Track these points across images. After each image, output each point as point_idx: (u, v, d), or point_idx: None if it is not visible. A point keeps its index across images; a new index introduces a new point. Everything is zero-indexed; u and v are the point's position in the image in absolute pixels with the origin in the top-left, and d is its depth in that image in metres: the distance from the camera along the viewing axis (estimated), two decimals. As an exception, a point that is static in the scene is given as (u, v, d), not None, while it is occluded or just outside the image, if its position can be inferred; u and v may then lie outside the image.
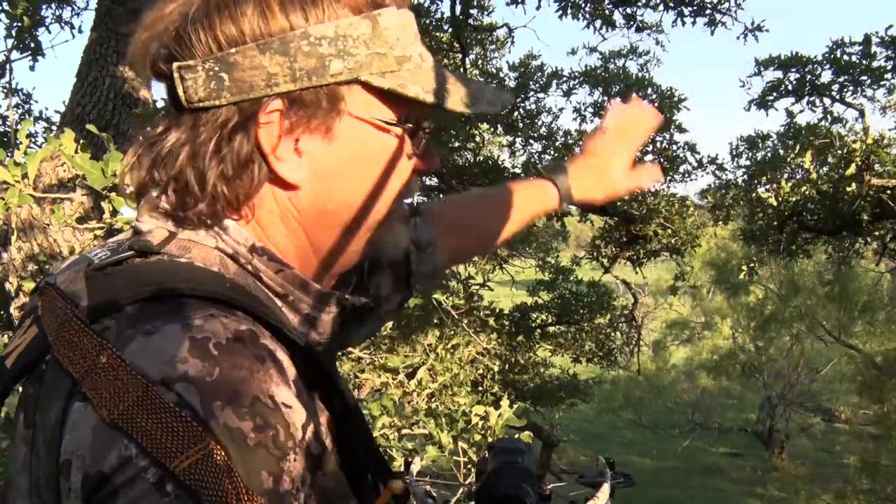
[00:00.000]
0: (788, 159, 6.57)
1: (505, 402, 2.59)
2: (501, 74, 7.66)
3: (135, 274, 0.62)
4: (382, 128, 0.69)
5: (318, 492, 0.58)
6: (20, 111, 4.50)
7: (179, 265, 0.64)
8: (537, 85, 7.55)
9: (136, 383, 0.53)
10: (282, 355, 0.59)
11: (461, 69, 6.41)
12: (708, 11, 5.60)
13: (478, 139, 7.71)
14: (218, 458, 0.51)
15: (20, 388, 0.64)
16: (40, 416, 0.58)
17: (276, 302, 0.69)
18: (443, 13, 6.27)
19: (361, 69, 0.65)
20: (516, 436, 2.75)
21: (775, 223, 6.40)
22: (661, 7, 5.77)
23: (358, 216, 0.71)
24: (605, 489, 1.29)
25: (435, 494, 1.44)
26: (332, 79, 0.64)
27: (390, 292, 0.95)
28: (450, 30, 6.24)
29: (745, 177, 7.10)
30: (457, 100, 0.71)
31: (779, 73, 6.20)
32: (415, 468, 1.49)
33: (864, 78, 5.86)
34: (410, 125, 0.70)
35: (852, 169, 5.48)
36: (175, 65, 0.63)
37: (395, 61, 0.67)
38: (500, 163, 7.24)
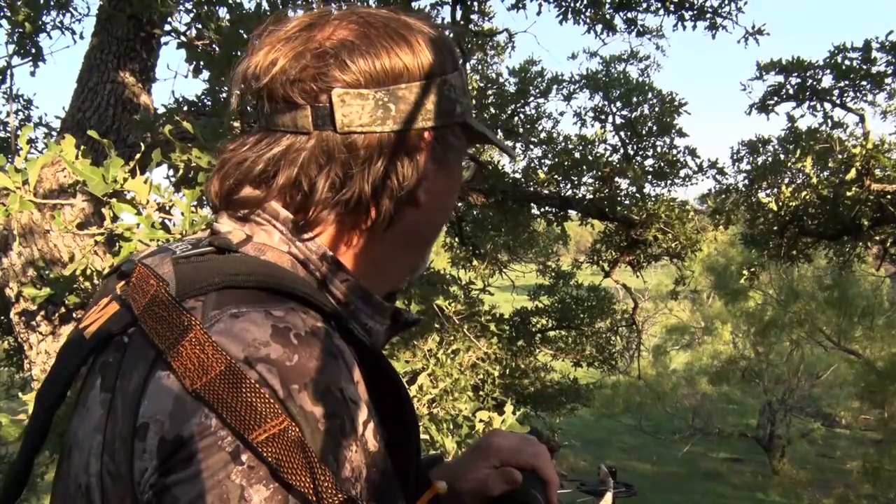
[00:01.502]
0: (789, 164, 6.58)
1: (508, 408, 2.58)
2: (502, 79, 7.67)
3: (219, 264, 0.66)
4: (463, 162, 0.82)
5: (370, 486, 0.61)
6: (21, 117, 4.49)
7: (260, 262, 0.69)
8: (537, 90, 7.56)
9: (221, 359, 0.57)
10: (350, 355, 0.64)
11: (465, 75, 6.42)
12: (708, 15, 5.60)
13: (477, 144, 7.70)
14: (293, 434, 0.55)
15: (94, 358, 0.68)
16: (121, 381, 0.61)
17: (339, 310, 0.73)
18: (443, 18, 6.27)
19: (466, 114, 0.78)
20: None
21: (776, 228, 6.40)
22: (661, 11, 5.77)
23: (435, 235, 0.83)
24: (608, 498, 1.28)
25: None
26: (456, 118, 0.77)
27: None
28: (450, 35, 6.24)
29: (746, 181, 7.11)
30: (490, 137, 0.84)
31: (780, 78, 6.21)
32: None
33: (865, 83, 5.87)
34: (474, 157, 0.83)
35: (853, 173, 5.48)
36: (339, 90, 0.70)
37: (472, 109, 0.81)
38: (500, 168, 7.24)
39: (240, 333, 0.59)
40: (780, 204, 6.13)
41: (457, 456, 2.81)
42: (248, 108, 0.79)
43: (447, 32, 0.79)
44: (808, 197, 6.02)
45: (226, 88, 2.80)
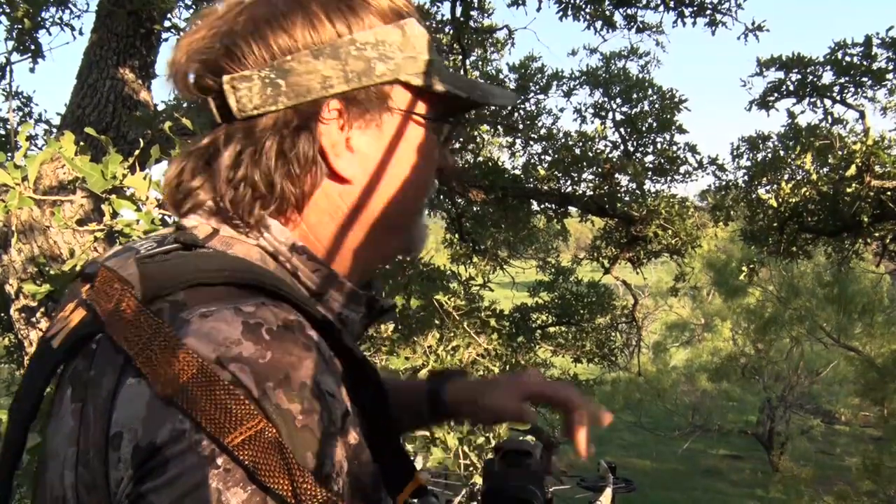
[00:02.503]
0: (789, 160, 6.57)
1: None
2: (502, 76, 7.66)
3: (184, 262, 0.64)
4: (421, 123, 0.75)
5: (352, 480, 0.60)
6: (20, 113, 4.49)
7: (227, 256, 0.67)
8: (537, 86, 7.55)
9: (192, 361, 0.55)
10: (325, 347, 0.62)
11: (461, 71, 6.41)
12: (708, 12, 5.59)
13: (478, 140, 7.70)
14: (269, 435, 0.54)
15: (63, 367, 0.66)
16: (92, 390, 0.60)
17: (312, 300, 0.72)
18: (443, 15, 6.27)
19: (400, 70, 0.72)
20: (520, 438, 2.74)
21: (775, 224, 6.40)
22: (661, 8, 5.77)
23: (399, 210, 0.76)
24: (608, 493, 1.28)
25: (438, 494, 1.44)
26: (377, 79, 0.71)
27: None
28: (451, 31, 6.23)
29: (746, 178, 7.10)
30: (479, 94, 0.78)
31: (780, 74, 6.21)
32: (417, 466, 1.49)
33: (865, 79, 5.86)
34: (443, 120, 0.78)
35: (853, 170, 5.47)
36: (226, 77, 0.68)
37: (424, 64, 0.74)
38: (500, 164, 7.23)
39: (210, 333, 0.57)
40: (780, 200, 6.12)
41: (459, 450, 2.82)
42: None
43: None
44: (807, 193, 6.01)
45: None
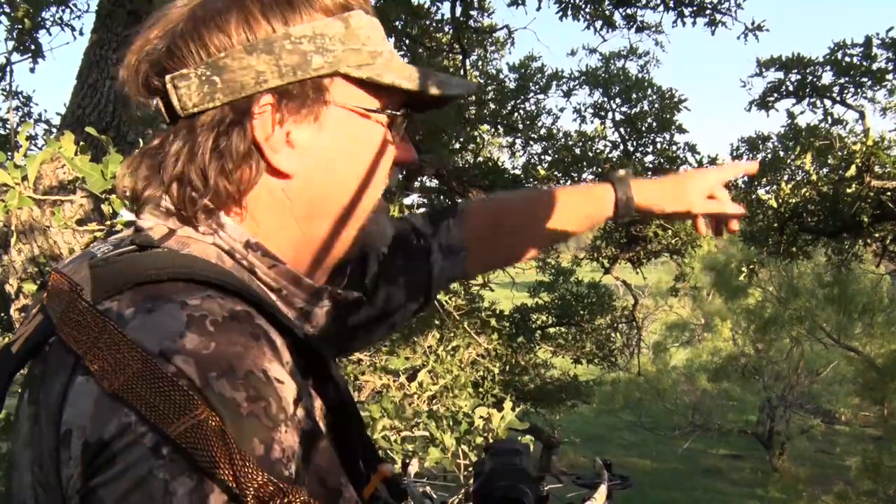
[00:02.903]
0: (789, 161, 6.57)
1: (507, 405, 2.58)
2: (501, 76, 7.66)
3: (135, 262, 0.65)
4: (365, 115, 0.74)
5: (310, 467, 0.60)
6: (20, 113, 4.49)
7: (177, 255, 0.67)
8: (537, 86, 7.55)
9: (137, 356, 0.56)
10: (275, 336, 0.62)
11: (461, 70, 6.42)
12: (708, 11, 5.59)
13: (478, 140, 7.70)
14: (212, 423, 0.54)
15: (25, 371, 0.68)
16: (44, 392, 0.61)
17: (271, 296, 0.73)
18: (443, 15, 6.26)
19: (340, 63, 0.71)
20: (518, 438, 2.75)
21: (775, 224, 6.39)
22: (661, 7, 5.77)
23: (346, 204, 0.75)
24: (602, 490, 1.29)
25: (434, 496, 1.44)
26: (314, 72, 0.70)
27: (403, 301, 0.99)
28: (450, 31, 6.23)
29: (746, 178, 7.10)
30: (429, 84, 0.76)
31: (780, 74, 6.21)
32: (412, 469, 1.49)
33: (865, 79, 5.85)
34: (389, 112, 0.76)
35: (853, 171, 5.47)
36: (168, 76, 0.68)
37: (369, 55, 0.73)
38: (499, 164, 7.23)
39: (154, 328, 0.58)
40: (780, 201, 6.12)
41: (456, 451, 2.82)
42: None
43: None
44: (807, 194, 6.01)
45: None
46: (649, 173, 7.36)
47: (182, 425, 0.53)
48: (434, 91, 0.77)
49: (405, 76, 0.74)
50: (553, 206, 1.08)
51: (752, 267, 8.14)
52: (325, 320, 0.78)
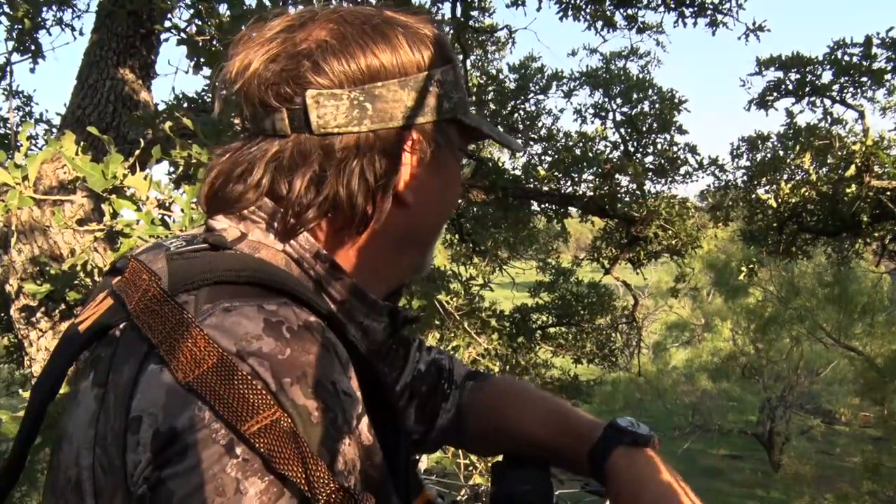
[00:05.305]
0: (788, 160, 6.57)
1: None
2: (502, 76, 7.66)
3: (212, 260, 0.67)
4: (460, 155, 0.81)
5: (364, 479, 0.61)
6: (21, 113, 4.50)
7: (252, 258, 0.69)
8: (537, 87, 7.55)
9: (213, 352, 0.57)
10: (342, 350, 0.64)
11: (462, 70, 6.42)
12: (709, 12, 5.59)
13: (476, 140, 7.69)
14: (285, 424, 0.55)
15: (87, 353, 0.69)
16: (113, 375, 0.62)
17: (333, 308, 0.74)
18: (444, 15, 6.26)
19: (457, 110, 0.76)
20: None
21: (775, 224, 6.40)
22: (661, 8, 5.77)
23: (431, 236, 0.82)
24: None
25: (443, 494, 1.43)
26: (444, 115, 0.75)
27: (411, 422, 1.00)
28: (451, 31, 6.24)
29: (745, 178, 7.11)
30: (495, 135, 0.84)
31: (779, 74, 6.21)
32: (421, 466, 1.49)
33: (865, 79, 5.86)
34: (469, 151, 0.83)
35: (852, 170, 5.48)
36: (312, 91, 0.69)
37: (469, 105, 0.79)
38: (500, 164, 7.23)
39: (232, 327, 0.59)
40: (780, 200, 6.13)
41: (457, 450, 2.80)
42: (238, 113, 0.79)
43: (440, 27, 0.78)
44: (807, 193, 6.01)
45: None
46: (650, 174, 7.37)
47: (256, 424, 0.55)
48: (512, 147, 0.87)
49: (481, 122, 0.81)
50: (557, 424, 0.94)
51: (751, 266, 8.14)
52: (382, 336, 0.79)
